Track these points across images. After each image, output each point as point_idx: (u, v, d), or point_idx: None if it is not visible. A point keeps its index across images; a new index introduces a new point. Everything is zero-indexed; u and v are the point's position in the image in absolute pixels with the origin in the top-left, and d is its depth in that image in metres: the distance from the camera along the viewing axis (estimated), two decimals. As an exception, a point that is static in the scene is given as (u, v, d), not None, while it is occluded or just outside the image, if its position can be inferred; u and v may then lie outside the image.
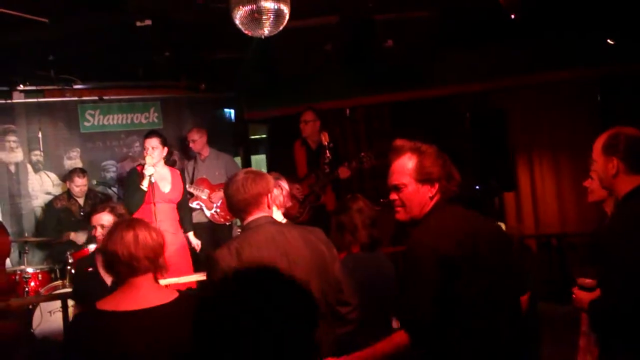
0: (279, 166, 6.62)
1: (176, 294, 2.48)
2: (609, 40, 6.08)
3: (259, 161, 8.68)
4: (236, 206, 2.75)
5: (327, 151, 6.05)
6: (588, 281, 2.64)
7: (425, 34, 5.97)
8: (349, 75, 7.23)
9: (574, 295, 2.71)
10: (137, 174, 5.53)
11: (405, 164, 2.45)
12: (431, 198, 2.43)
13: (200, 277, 5.23)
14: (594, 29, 6.04)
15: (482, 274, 2.28)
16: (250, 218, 2.74)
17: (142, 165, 5.61)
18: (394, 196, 2.50)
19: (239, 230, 7.05)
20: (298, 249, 2.69)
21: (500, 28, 5.81)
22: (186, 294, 2.56)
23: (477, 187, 6.44)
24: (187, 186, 6.36)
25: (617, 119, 6.23)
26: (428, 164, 2.42)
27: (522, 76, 6.92)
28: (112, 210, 3.91)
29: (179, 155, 7.22)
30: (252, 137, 8.54)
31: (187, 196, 6.15)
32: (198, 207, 6.55)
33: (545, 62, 6.72)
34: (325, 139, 6.12)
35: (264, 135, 8.56)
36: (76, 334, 2.38)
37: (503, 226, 6.97)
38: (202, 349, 1.42)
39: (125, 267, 2.38)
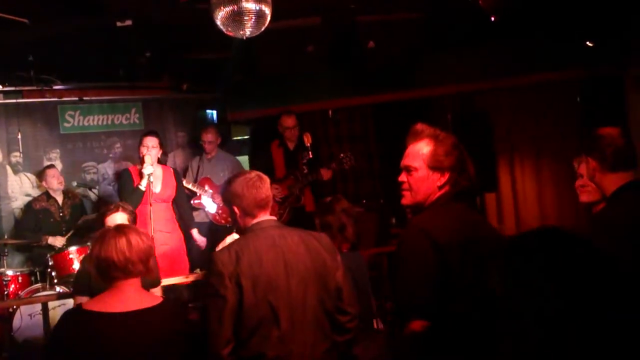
0: (257, 167, 6.61)
1: (160, 299, 2.57)
2: (588, 43, 6.14)
3: (241, 162, 8.65)
4: (257, 203, 2.70)
5: (310, 152, 6.05)
6: None
7: (409, 36, 6.00)
8: (331, 76, 7.23)
9: None
10: (129, 175, 5.50)
11: (421, 149, 2.42)
12: (440, 187, 2.40)
13: (196, 277, 5.21)
14: (574, 32, 6.10)
15: (471, 270, 2.25)
16: (257, 220, 2.71)
17: (135, 166, 5.58)
18: (402, 178, 2.47)
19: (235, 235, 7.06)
20: (297, 255, 2.66)
21: (483, 30, 5.85)
22: (170, 299, 2.66)
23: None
24: (190, 185, 6.33)
25: (597, 121, 6.34)
26: (443, 152, 2.39)
27: (503, 78, 6.96)
28: (124, 209, 3.99)
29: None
30: (235, 138, 8.51)
31: (185, 192, 6.05)
32: (200, 207, 6.50)
33: (526, 64, 6.77)
34: (308, 140, 6.11)
35: (246, 137, 8.54)
36: (63, 331, 2.45)
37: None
38: None
39: (121, 272, 2.46)
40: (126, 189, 5.46)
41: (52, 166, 6.31)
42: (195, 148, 6.80)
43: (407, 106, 7.30)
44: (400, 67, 6.95)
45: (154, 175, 5.38)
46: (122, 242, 2.47)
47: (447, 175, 2.39)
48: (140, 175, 5.35)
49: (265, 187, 2.75)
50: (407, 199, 2.47)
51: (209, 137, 6.62)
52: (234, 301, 2.50)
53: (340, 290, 2.73)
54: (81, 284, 3.91)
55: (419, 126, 2.47)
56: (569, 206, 6.70)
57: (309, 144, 6.10)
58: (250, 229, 2.70)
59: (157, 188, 5.49)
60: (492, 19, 4.81)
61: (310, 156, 6.05)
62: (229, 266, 2.53)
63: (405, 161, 2.46)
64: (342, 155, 6.18)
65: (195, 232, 5.88)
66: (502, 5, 4.76)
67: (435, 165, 2.39)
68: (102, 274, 2.52)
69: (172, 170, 5.84)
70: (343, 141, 7.71)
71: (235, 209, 2.73)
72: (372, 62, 6.34)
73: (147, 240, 2.57)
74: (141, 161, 5.39)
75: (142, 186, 5.27)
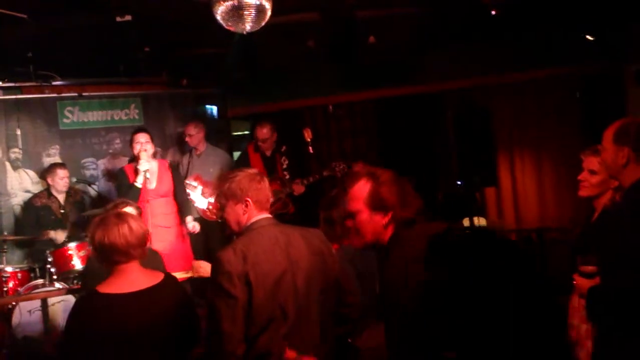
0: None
1: (162, 276, 2.79)
2: (588, 37, 6.13)
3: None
4: (267, 197, 2.76)
5: (310, 147, 6.03)
6: (589, 268, 2.67)
7: (409, 31, 5.99)
8: (332, 71, 7.22)
9: (574, 282, 2.75)
10: (124, 174, 5.52)
11: (360, 191, 2.44)
12: (385, 227, 2.42)
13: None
14: (575, 27, 6.10)
15: None
16: (258, 217, 2.71)
17: (130, 164, 5.58)
18: (349, 223, 2.49)
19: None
20: (300, 252, 2.68)
21: (483, 26, 5.84)
22: (169, 275, 2.88)
23: (459, 182, 6.47)
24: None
25: (597, 117, 6.35)
26: (382, 191, 2.40)
27: (503, 74, 6.97)
28: (131, 204, 4.02)
29: (160, 152, 7.18)
30: (235, 133, 8.50)
31: (182, 183, 6.04)
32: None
33: (526, 60, 6.78)
34: (308, 135, 6.10)
35: (246, 132, 8.53)
36: (81, 315, 2.64)
37: (484, 221, 7.04)
38: None
39: (123, 256, 2.67)
40: (122, 188, 5.49)
41: (63, 166, 6.26)
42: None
43: (410, 101, 7.30)
44: (402, 63, 6.95)
45: (150, 171, 5.38)
46: (125, 228, 2.67)
47: (390, 214, 2.40)
48: (136, 172, 5.35)
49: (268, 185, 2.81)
50: (356, 240, 2.50)
51: (189, 130, 6.60)
52: (244, 300, 2.49)
53: (339, 282, 2.78)
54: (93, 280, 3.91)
55: (357, 167, 2.56)
56: (568, 201, 6.70)
57: (309, 140, 6.07)
58: (250, 228, 2.69)
59: (152, 184, 5.50)
60: (493, 12, 4.80)
61: (311, 152, 6.03)
62: (236, 265, 2.51)
63: (347, 206, 2.49)
64: (333, 164, 6.08)
65: (189, 219, 5.80)
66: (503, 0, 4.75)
67: (376, 205, 2.40)
68: (105, 258, 2.72)
69: (167, 163, 5.87)
70: (344, 136, 7.69)
71: (249, 200, 2.70)
72: (373, 57, 6.33)
73: (144, 226, 2.81)
74: (136, 158, 5.37)
75: (139, 183, 5.29)
